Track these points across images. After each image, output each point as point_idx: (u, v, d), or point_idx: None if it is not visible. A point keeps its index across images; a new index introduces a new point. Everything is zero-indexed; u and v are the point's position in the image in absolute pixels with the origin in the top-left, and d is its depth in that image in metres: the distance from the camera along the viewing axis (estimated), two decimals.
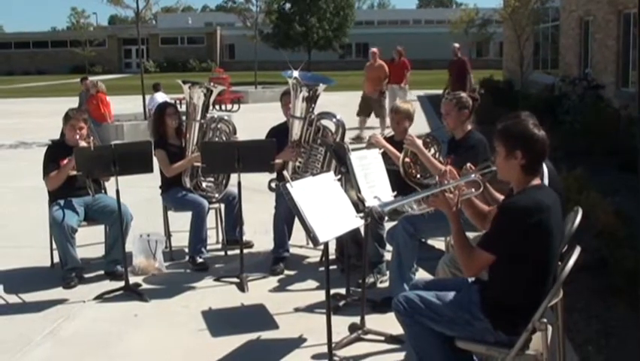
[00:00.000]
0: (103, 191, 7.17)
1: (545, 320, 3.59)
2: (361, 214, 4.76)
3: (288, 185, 4.27)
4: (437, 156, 6.18)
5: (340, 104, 19.17)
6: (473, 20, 29.33)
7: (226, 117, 7.56)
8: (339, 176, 4.92)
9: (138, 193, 8.66)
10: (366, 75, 17.62)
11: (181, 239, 7.50)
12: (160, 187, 7.47)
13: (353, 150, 5.38)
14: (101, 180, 7.07)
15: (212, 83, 7.44)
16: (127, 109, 21.56)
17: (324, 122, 7.05)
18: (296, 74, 6.90)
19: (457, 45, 17.89)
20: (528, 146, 3.72)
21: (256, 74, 33.47)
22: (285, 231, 7.05)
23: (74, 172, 6.58)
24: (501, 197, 4.26)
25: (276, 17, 56.08)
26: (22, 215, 9.58)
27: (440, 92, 24.86)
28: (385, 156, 5.94)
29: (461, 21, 29.27)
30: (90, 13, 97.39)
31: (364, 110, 17.26)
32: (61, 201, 6.77)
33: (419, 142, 6.04)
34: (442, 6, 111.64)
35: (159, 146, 7.26)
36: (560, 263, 3.83)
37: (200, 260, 7.06)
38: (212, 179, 7.44)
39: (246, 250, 6.94)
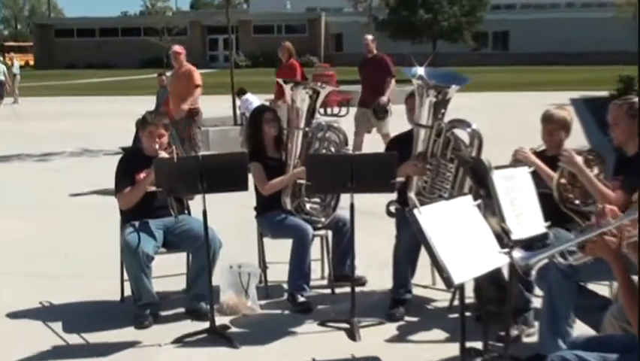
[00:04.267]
0: (186, 211, 7.30)
1: None
2: (506, 250, 4.70)
3: (415, 210, 4.26)
4: (601, 177, 6.07)
5: (474, 109, 19.05)
6: None
7: (335, 124, 7.59)
8: (478, 200, 4.86)
9: (228, 215, 8.78)
10: (170, 89, 14.56)
11: (279, 272, 7.53)
12: (255, 208, 7.57)
13: (496, 167, 5.31)
14: (184, 198, 7.21)
15: (319, 83, 7.49)
16: (213, 112, 21.74)
17: (457, 132, 7.01)
18: (421, 71, 6.86)
19: (370, 37, 15.37)
20: None
21: None
22: (407, 266, 7.02)
23: (153, 188, 6.65)
24: None
25: (394, 0, 56.28)
26: (86, 238, 9.85)
27: (604, 93, 24.32)
28: (535, 175, 5.85)
29: (629, 3, 28.73)
30: None
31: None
32: (136, 223, 6.90)
33: (579, 159, 5.94)
34: None
35: (255, 158, 7.35)
36: None
37: (301, 299, 7.10)
38: (318, 200, 7.49)
39: (357, 289, 6.93)
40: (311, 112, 7.29)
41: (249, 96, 19.54)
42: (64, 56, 75.16)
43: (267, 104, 13.14)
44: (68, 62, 73.79)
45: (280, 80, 7.53)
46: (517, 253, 4.28)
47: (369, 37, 15.23)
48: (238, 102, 19.41)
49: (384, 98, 14.29)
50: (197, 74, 13.64)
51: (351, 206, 6.65)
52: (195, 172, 6.36)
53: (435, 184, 6.97)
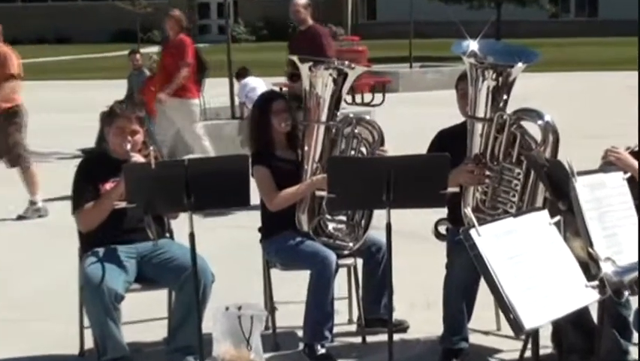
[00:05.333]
0: (167, 235, 7.35)
1: None
2: (595, 283, 4.69)
3: (472, 231, 4.26)
4: None
5: (547, 95, 19.01)
6: None
7: (367, 116, 7.60)
8: (556, 217, 4.86)
9: (223, 239, 8.78)
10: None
11: (292, 315, 7.59)
12: (259, 230, 7.61)
13: (580, 172, 5.29)
14: (165, 217, 7.25)
15: (345, 62, 7.49)
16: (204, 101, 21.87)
17: (525, 125, 6.99)
18: (474, 46, 6.85)
19: (300, 1, 13.91)
20: None
21: (411, 45, 33.58)
22: (462, 306, 7.02)
23: (123, 204, 6.58)
24: None
25: None
26: (33, 269, 9.90)
27: None
28: (632, 183, 5.83)
29: None
30: None
31: None
32: (101, 251, 6.91)
33: None
34: None
35: (260, 161, 7.39)
36: None
37: (322, 351, 7.11)
38: (344, 218, 7.51)
39: (396, 336, 6.95)
40: (335, 101, 7.33)
41: (250, 80, 19.43)
42: (4, 28, 74.95)
43: (276, 89, 13.14)
44: (10, 35, 72.93)
45: (295, 58, 7.49)
46: (610, 267, 4.27)
47: (300, 1, 13.87)
48: (237, 87, 19.30)
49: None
50: (15, 60, 13.73)
51: (388, 226, 6.58)
52: (180, 182, 6.30)
53: (498, 196, 6.96)
